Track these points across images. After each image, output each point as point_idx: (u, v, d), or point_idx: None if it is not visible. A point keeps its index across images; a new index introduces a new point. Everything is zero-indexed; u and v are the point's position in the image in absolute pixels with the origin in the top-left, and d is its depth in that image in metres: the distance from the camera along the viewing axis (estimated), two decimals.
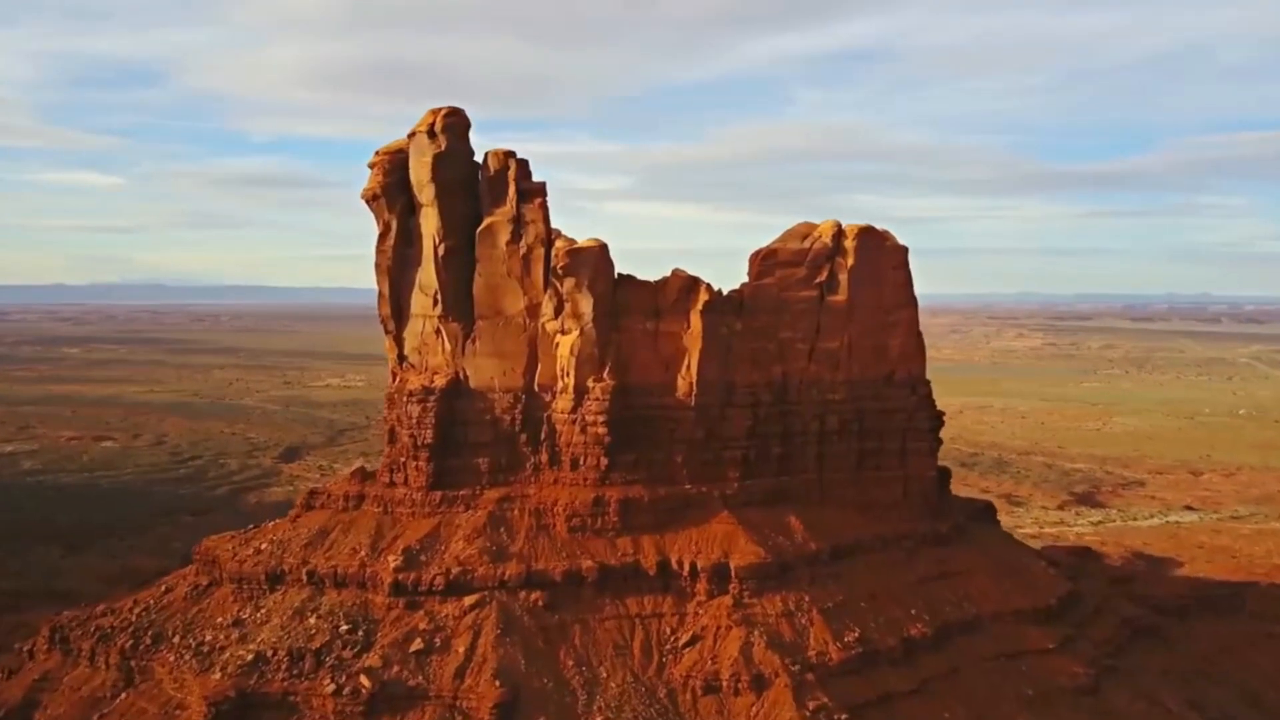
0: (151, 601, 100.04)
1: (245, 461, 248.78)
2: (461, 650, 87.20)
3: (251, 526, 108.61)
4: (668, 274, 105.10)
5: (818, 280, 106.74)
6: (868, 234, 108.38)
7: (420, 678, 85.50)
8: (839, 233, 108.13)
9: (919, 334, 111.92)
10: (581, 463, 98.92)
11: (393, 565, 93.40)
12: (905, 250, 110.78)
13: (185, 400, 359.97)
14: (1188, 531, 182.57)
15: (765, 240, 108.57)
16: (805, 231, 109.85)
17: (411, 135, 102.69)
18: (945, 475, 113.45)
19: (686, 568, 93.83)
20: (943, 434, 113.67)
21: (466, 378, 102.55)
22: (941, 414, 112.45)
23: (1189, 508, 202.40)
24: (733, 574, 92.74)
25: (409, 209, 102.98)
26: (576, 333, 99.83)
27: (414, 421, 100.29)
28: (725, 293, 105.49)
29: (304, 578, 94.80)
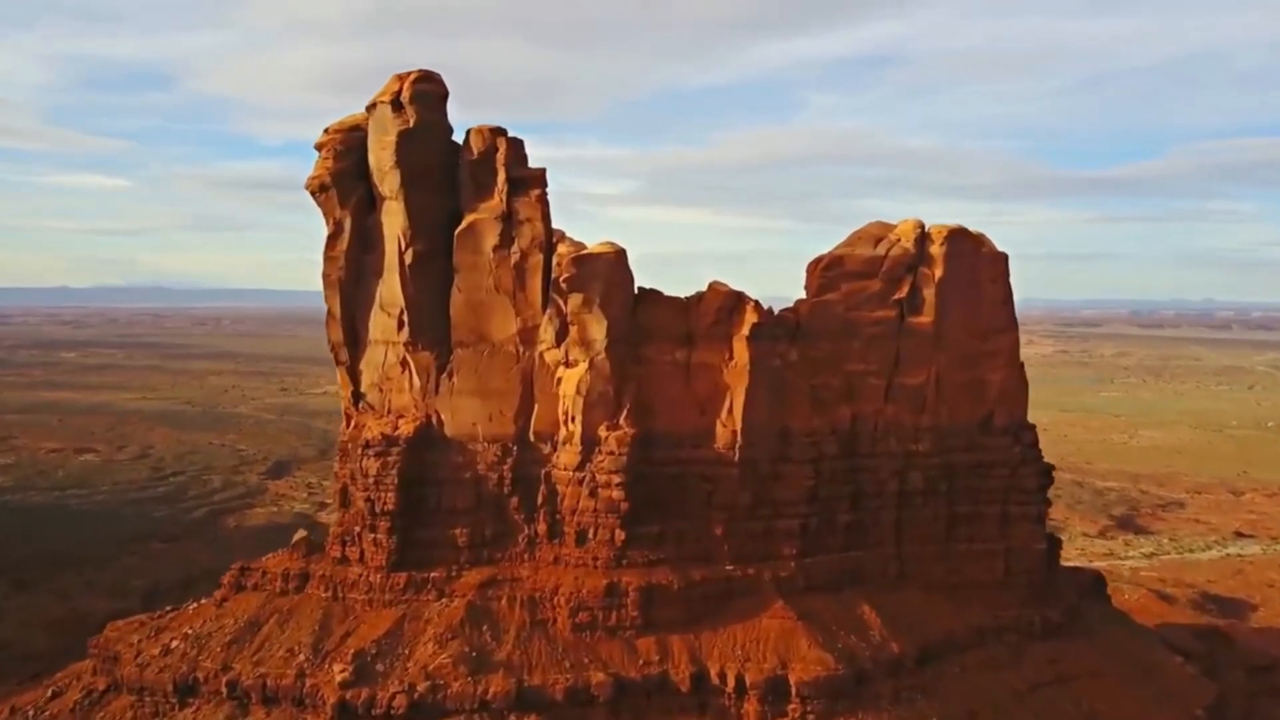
0: (32, 711, 78.03)
1: (230, 478, 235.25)
2: None
3: (169, 608, 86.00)
4: (703, 288, 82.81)
5: (896, 296, 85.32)
6: (960, 237, 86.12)
7: None
8: (923, 235, 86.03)
9: (1021, 366, 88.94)
10: (591, 536, 77.97)
11: (339, 677, 70.99)
12: (1005, 258, 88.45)
13: (177, 409, 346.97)
14: (1253, 566, 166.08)
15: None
16: (879, 234, 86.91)
17: (371, 107, 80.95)
18: (1055, 546, 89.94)
19: (731, 681, 72.85)
20: None
21: (441, 423, 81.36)
22: (1051, 468, 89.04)
23: (1241, 534, 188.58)
24: (793, 690, 72.10)
25: (367, 203, 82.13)
26: (585, 365, 79.09)
27: (371, 481, 78.47)
28: (777, 312, 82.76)
29: (224, 689, 73.27)
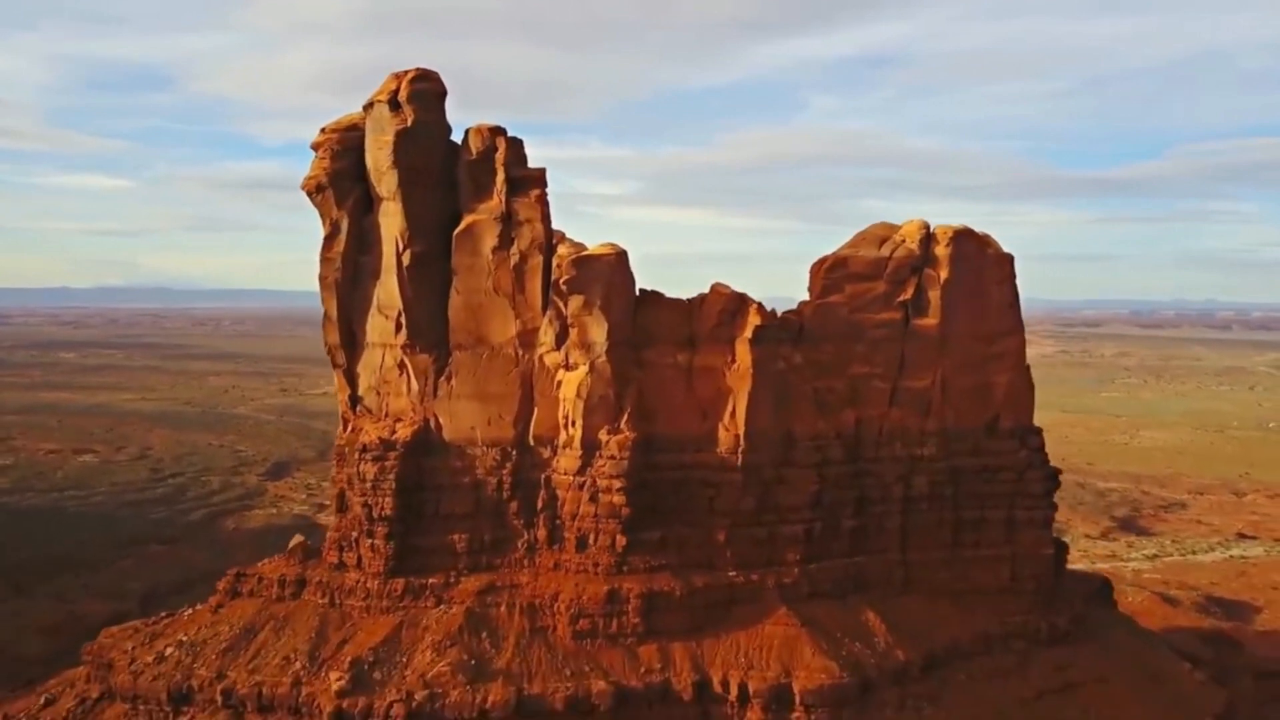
0: (24, 718, 76.30)
1: (229, 479, 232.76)
2: None
3: (164, 614, 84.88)
4: (705, 290, 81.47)
5: (901, 298, 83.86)
6: (965, 238, 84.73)
7: None
8: (928, 236, 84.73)
9: (1027, 369, 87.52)
10: (591, 542, 76.38)
11: (335, 685, 69.68)
12: (1011, 260, 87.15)
13: (176, 409, 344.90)
14: (1256, 568, 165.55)
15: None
16: (883, 234, 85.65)
17: (368, 107, 79.58)
18: (1061, 551, 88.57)
19: (734, 689, 71.51)
20: None
21: (439, 427, 79.74)
22: (1057, 472, 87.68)
23: (1243, 535, 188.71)
24: (796, 699, 70.90)
25: (364, 204, 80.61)
26: (585, 368, 77.53)
27: (369, 485, 77.00)
28: (780, 314, 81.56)
29: (218, 698, 71.96)
